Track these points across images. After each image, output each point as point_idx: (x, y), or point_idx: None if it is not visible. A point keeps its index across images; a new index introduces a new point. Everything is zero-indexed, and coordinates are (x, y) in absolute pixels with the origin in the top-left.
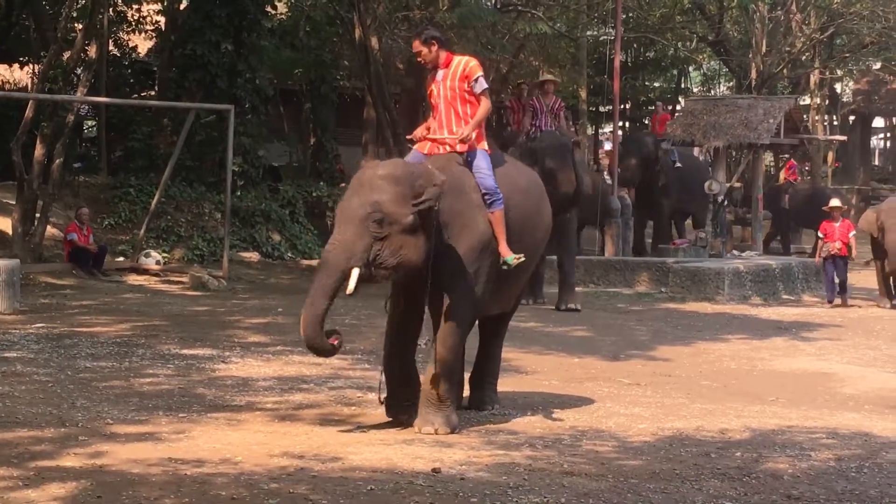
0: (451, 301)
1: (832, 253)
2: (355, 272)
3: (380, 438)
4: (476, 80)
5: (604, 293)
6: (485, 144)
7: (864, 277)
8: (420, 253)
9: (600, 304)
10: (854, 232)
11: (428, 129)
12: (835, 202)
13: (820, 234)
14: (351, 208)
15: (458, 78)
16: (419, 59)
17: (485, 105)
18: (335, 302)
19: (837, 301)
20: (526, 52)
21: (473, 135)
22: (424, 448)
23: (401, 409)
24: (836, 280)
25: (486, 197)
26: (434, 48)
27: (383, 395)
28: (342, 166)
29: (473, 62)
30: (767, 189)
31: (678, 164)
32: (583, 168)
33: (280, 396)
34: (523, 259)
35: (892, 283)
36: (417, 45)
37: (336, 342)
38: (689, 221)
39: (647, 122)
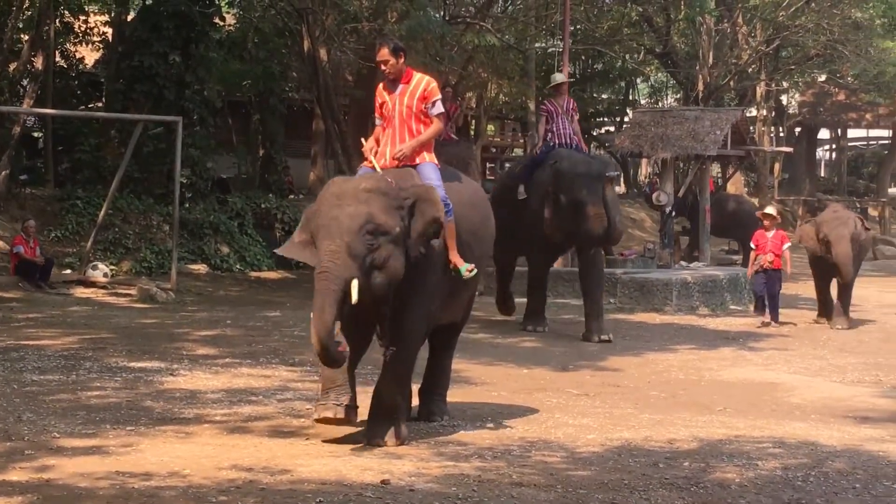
0: (406, 313)
1: (764, 266)
2: (355, 283)
3: (329, 450)
4: (434, 102)
5: (552, 304)
6: (433, 157)
7: (809, 288)
8: (402, 263)
9: (549, 315)
10: (788, 244)
11: (377, 141)
12: (769, 210)
13: (752, 245)
14: (342, 220)
15: (416, 97)
16: (383, 68)
17: (435, 127)
18: (280, 315)
19: (766, 318)
20: (474, 65)
21: (409, 154)
22: (373, 460)
23: (326, 408)
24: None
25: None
26: (401, 60)
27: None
28: (291, 178)
29: (434, 84)
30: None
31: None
32: (616, 207)
33: (229, 409)
34: (475, 272)
35: (831, 298)
36: (386, 54)
37: (343, 350)
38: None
39: (595, 133)
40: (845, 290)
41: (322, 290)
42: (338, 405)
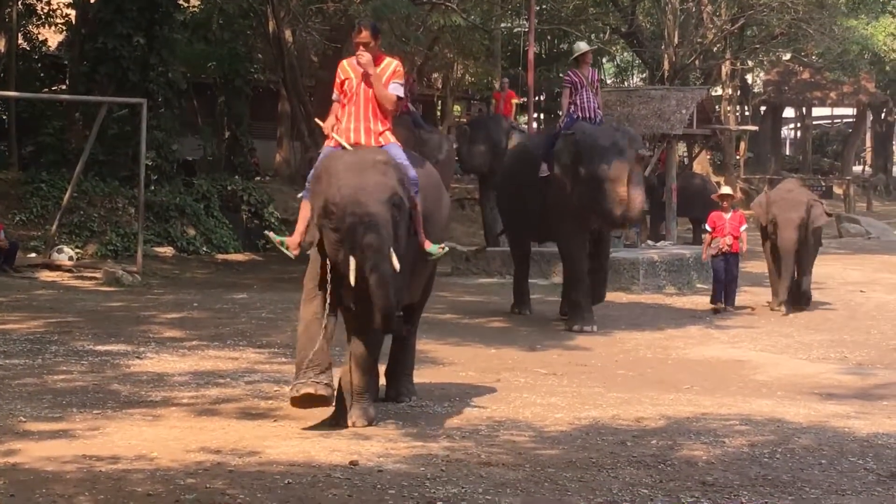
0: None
1: (722, 249)
2: (353, 262)
3: (297, 432)
4: (395, 83)
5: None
6: (393, 138)
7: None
8: (403, 237)
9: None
10: (746, 226)
11: (338, 118)
12: (726, 189)
13: (707, 228)
14: (369, 188)
15: (384, 78)
16: (360, 47)
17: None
18: (247, 297)
19: (720, 305)
20: (440, 45)
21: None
22: (342, 441)
23: (304, 384)
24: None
25: (410, 187)
26: (377, 42)
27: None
28: (257, 160)
29: (401, 68)
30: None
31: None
32: (640, 185)
33: (196, 391)
34: (446, 251)
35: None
36: (367, 37)
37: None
38: None
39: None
40: (786, 273)
41: (377, 261)
42: (317, 382)
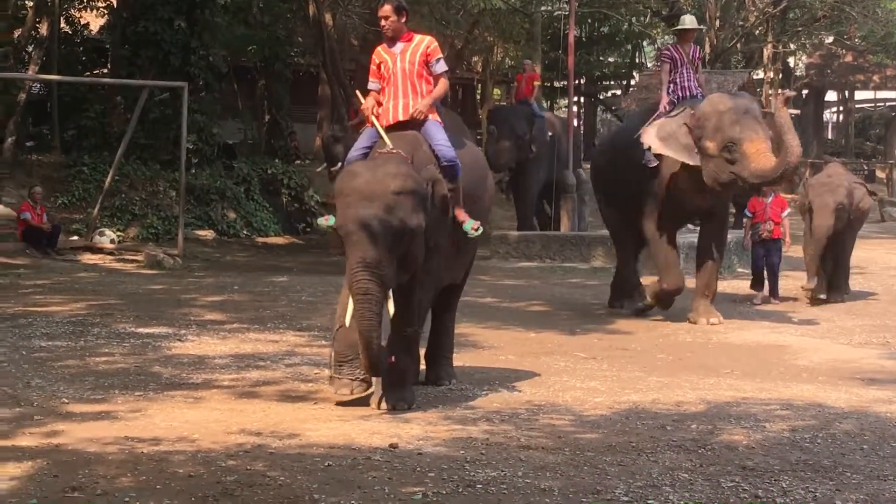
0: (416, 279)
1: (762, 236)
2: (390, 294)
3: (337, 415)
4: (437, 60)
5: (560, 268)
6: (437, 116)
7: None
8: (423, 250)
9: (557, 279)
10: (788, 211)
11: (379, 103)
12: None
13: (748, 213)
14: (374, 226)
15: (418, 54)
16: (383, 24)
17: (443, 85)
18: (287, 280)
19: (765, 294)
20: (480, 28)
21: (426, 110)
22: (382, 424)
23: (343, 385)
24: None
25: (447, 168)
26: (403, 19)
27: (330, 372)
28: (297, 143)
29: (435, 43)
30: None
31: (549, 133)
32: (791, 129)
33: (236, 374)
34: (481, 231)
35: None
36: (388, 10)
37: (390, 360)
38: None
39: (602, 97)
40: (817, 260)
41: (364, 315)
42: (353, 380)
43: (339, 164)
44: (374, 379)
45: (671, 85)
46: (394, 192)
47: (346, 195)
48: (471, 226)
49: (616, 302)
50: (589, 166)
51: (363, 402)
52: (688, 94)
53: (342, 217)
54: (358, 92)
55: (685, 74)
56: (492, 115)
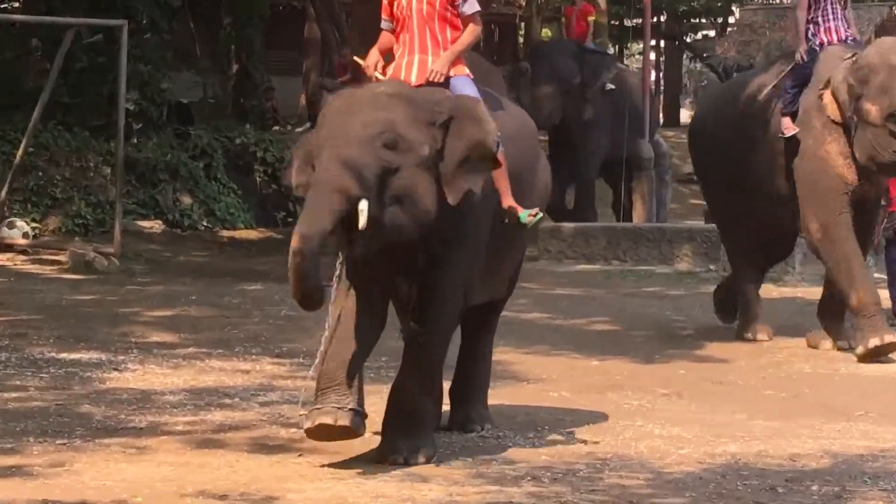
0: (437, 282)
1: None
2: (364, 204)
3: (329, 471)
4: None
5: (632, 272)
6: (465, 69)
7: None
8: (433, 202)
9: (628, 288)
10: None
11: (383, 52)
12: None
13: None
14: (352, 128)
15: None
16: None
17: (472, 32)
18: (262, 289)
19: None
20: None
21: (445, 71)
22: (391, 483)
23: (323, 412)
24: None
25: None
26: None
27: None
28: (275, 102)
29: None
30: None
31: (610, 86)
32: None
33: (194, 415)
34: (540, 216)
35: None
36: None
37: (324, 288)
38: None
39: (687, 39)
40: None
41: (314, 198)
42: (339, 408)
43: None
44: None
45: (811, 27)
46: (385, 94)
47: (324, 114)
48: (527, 214)
49: (746, 330)
50: (688, 135)
51: (363, 451)
52: (834, 38)
53: (318, 133)
54: (357, 58)
55: (830, 12)
56: (530, 52)
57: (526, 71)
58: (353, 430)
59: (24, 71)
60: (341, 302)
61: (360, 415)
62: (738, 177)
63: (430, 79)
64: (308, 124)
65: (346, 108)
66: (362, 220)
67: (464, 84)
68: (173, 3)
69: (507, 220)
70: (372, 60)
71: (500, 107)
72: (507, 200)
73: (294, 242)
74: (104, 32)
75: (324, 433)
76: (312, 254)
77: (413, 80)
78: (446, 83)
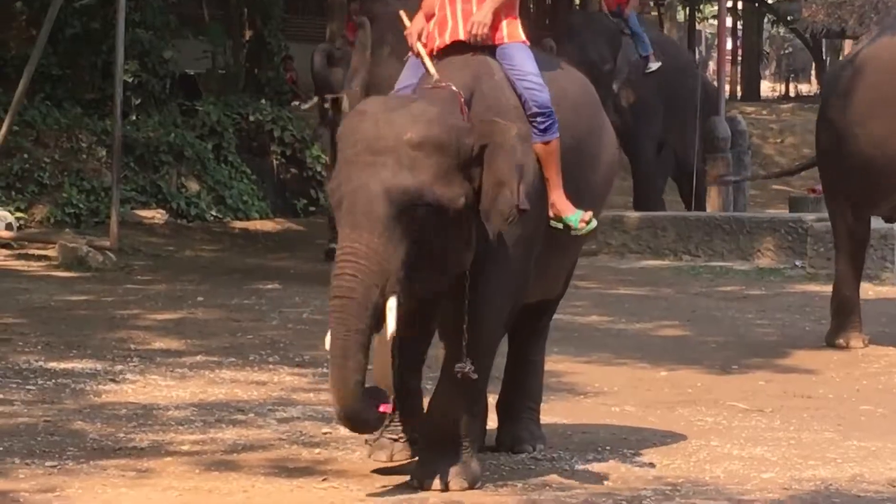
0: (480, 289)
1: None
2: (393, 303)
3: (358, 500)
4: None
5: (706, 268)
6: (520, 33)
7: None
8: (468, 250)
9: (701, 286)
10: None
11: (429, 17)
12: None
13: None
14: (373, 203)
15: None
16: None
17: None
18: (286, 291)
19: None
20: None
21: (489, 21)
22: None
23: (379, 446)
24: None
25: (538, 120)
26: None
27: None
28: (294, 74)
29: None
30: None
31: (652, 66)
32: None
33: (203, 434)
34: (594, 225)
35: None
36: None
37: (384, 409)
38: None
39: (769, 1)
40: None
41: (340, 324)
42: (395, 439)
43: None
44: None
45: None
46: (411, 144)
47: (346, 146)
48: (578, 218)
49: (838, 336)
50: (817, 124)
51: (399, 475)
52: None
53: (335, 175)
54: (402, 13)
55: None
56: (559, 24)
57: (551, 50)
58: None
59: (8, 39)
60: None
61: (414, 441)
62: (871, 151)
63: (473, 32)
64: (315, 98)
65: (366, 157)
66: (391, 324)
67: (521, 52)
68: None
69: (552, 223)
70: (416, 28)
71: (557, 68)
72: (557, 199)
73: (338, 401)
74: None
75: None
76: (357, 409)
77: (460, 34)
78: (493, 49)
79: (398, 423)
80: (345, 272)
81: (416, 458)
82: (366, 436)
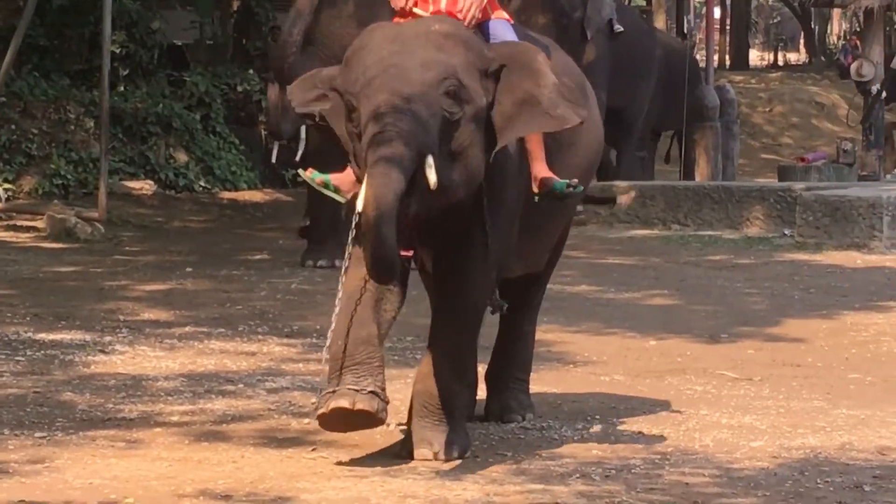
0: (467, 254)
1: None
2: (431, 160)
3: (348, 468)
4: None
5: (695, 237)
6: (502, 12)
7: None
8: (483, 162)
9: (690, 255)
10: None
11: None
12: None
13: None
14: (411, 69)
15: None
16: None
17: None
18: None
19: None
20: None
21: (482, 2)
22: (419, 482)
23: (341, 394)
24: None
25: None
26: None
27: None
28: None
29: None
30: None
31: (618, 28)
32: None
33: (192, 404)
34: (579, 189)
35: None
36: None
37: (406, 254)
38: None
39: None
40: None
41: (386, 158)
42: (357, 391)
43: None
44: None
45: None
46: (440, 34)
47: (364, 46)
48: (563, 184)
49: None
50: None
51: (386, 445)
52: None
53: (359, 72)
54: None
55: None
56: None
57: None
58: (374, 416)
59: None
60: (354, 273)
61: (381, 398)
62: None
63: (466, 12)
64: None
65: (396, 44)
66: (432, 179)
67: (503, 28)
68: None
69: (537, 195)
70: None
71: (543, 47)
72: (538, 168)
73: (368, 207)
74: None
75: (339, 420)
76: (391, 217)
77: (442, 5)
78: (479, 26)
79: (361, 375)
80: (388, 119)
81: (378, 409)
82: (331, 381)
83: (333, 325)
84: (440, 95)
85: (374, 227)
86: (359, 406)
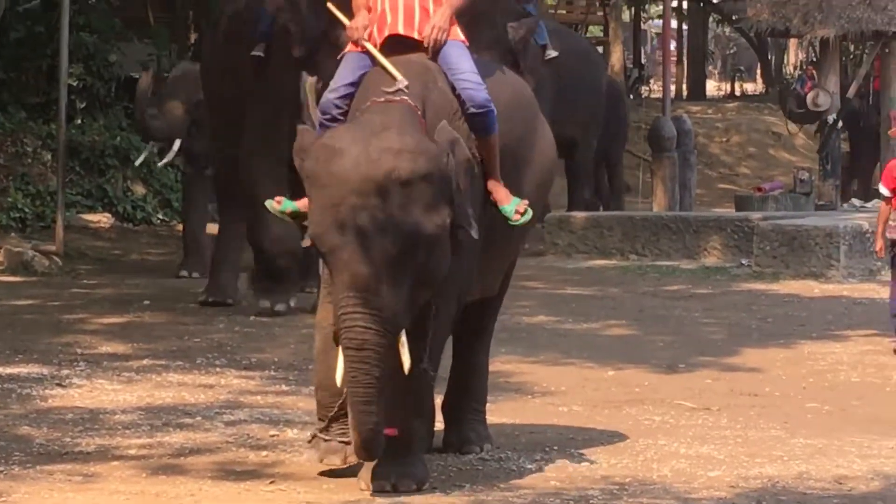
0: (442, 284)
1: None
2: (404, 338)
3: (306, 501)
4: None
5: (652, 268)
6: (458, 33)
7: None
8: (448, 259)
9: (648, 286)
10: None
11: (370, 8)
12: None
13: (884, 190)
14: (367, 245)
15: None
16: None
17: None
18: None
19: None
20: None
21: (447, 27)
22: None
23: (332, 450)
24: None
25: (477, 117)
26: None
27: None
28: None
29: None
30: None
31: (551, 53)
32: None
33: (150, 437)
34: (529, 216)
35: None
36: None
37: (390, 433)
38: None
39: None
40: None
41: (361, 373)
42: (346, 443)
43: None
44: None
45: None
46: (400, 181)
47: (325, 185)
48: (513, 208)
49: None
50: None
51: (348, 477)
52: None
53: (320, 221)
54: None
55: None
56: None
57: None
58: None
59: None
60: (326, 312)
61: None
62: None
63: (432, 36)
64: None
65: (354, 200)
66: (406, 361)
67: (459, 51)
68: None
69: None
70: (360, 23)
71: (493, 74)
72: (493, 186)
73: (357, 443)
74: None
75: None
76: (378, 444)
77: (400, 29)
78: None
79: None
80: (356, 324)
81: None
82: (311, 438)
83: (317, 364)
84: (406, 262)
85: (360, 435)
86: (350, 461)
